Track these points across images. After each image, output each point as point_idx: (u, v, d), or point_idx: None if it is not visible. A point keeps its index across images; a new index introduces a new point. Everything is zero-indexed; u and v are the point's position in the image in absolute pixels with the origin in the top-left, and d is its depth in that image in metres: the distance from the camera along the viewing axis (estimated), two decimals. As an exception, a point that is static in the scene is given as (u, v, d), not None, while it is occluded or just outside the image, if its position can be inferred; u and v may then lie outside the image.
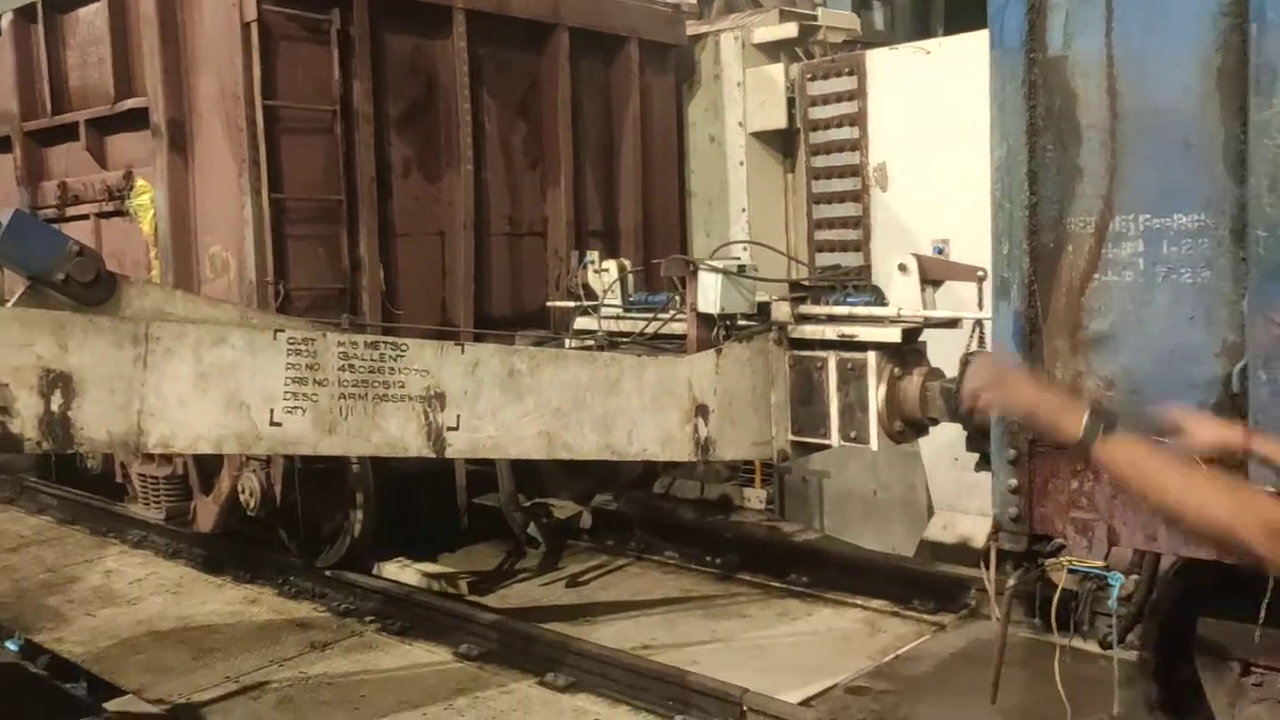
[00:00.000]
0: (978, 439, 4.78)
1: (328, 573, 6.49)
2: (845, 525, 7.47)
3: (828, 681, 5.12)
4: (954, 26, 7.84)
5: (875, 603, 6.14)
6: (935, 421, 5.00)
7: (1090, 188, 3.12)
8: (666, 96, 7.84)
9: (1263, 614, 2.94)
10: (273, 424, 4.04)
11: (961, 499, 6.89)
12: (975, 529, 6.75)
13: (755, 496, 8.02)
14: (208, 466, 6.48)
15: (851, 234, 7.31)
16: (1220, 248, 2.92)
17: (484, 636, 5.63)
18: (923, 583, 6.18)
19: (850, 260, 7.22)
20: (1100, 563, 3.08)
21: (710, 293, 5.02)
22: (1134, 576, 3.09)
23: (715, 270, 5.03)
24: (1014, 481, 3.32)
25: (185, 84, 6.20)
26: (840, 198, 7.36)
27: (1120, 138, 3.06)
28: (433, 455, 4.35)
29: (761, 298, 5.26)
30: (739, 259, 5.45)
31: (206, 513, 6.56)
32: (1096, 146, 3.10)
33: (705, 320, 5.14)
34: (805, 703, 4.89)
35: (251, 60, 5.86)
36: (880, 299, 5.12)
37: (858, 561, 6.69)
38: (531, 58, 7.07)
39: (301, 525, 6.44)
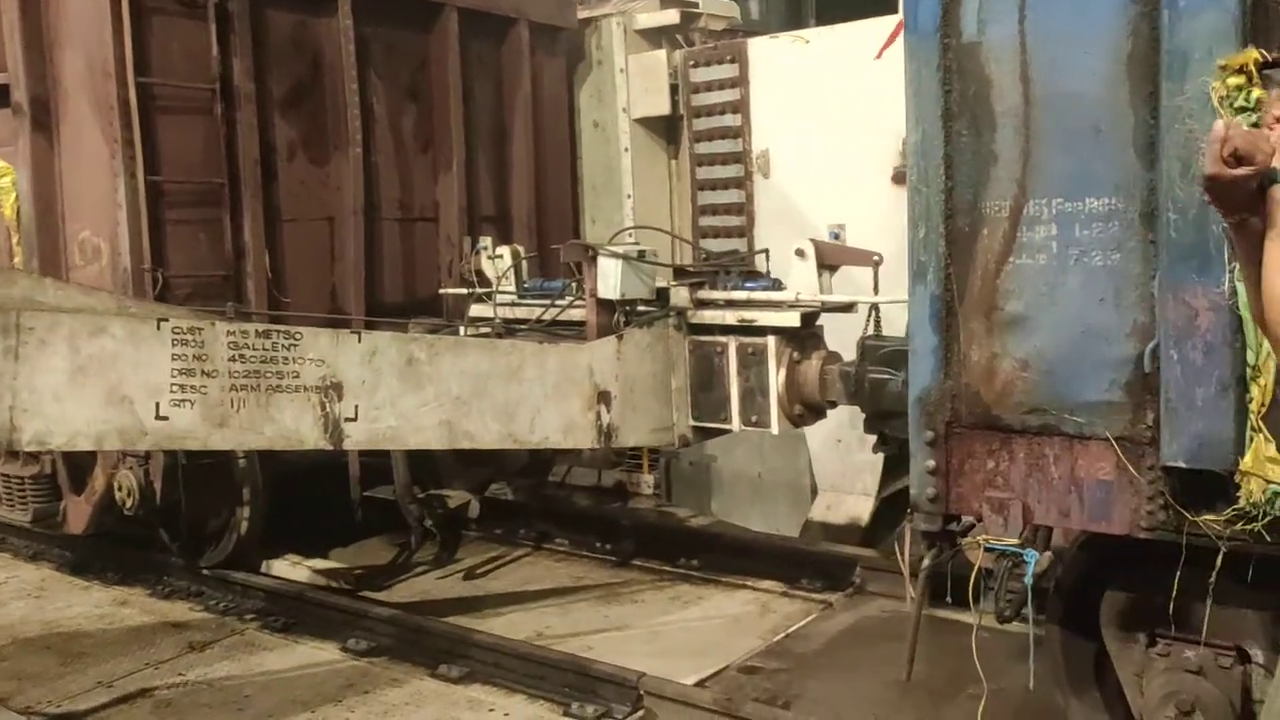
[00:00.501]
0: (875, 420, 4.89)
1: (205, 571, 6.25)
2: (732, 508, 7.55)
3: (721, 663, 5.18)
4: (826, 17, 7.97)
5: (765, 584, 6.22)
6: (834, 404, 5.07)
7: (1005, 172, 3.15)
8: (557, 80, 7.75)
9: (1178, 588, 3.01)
10: (159, 418, 3.85)
11: (845, 480, 7.05)
12: (858, 508, 6.95)
13: (645, 482, 8.04)
14: (79, 464, 6.13)
15: (735, 220, 7.37)
16: (1130, 231, 2.98)
17: (373, 631, 5.53)
18: (810, 563, 6.28)
19: (734, 246, 7.27)
20: (1015, 541, 3.12)
21: (611, 278, 4.98)
22: (1048, 553, 3.15)
23: (615, 256, 4.99)
24: (931, 462, 3.36)
25: (49, 60, 5.83)
26: (724, 184, 7.42)
27: (1033, 123, 3.09)
28: (330, 448, 4.21)
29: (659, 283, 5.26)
30: (638, 244, 5.42)
31: (78, 513, 6.22)
32: (1010, 132, 3.14)
33: (605, 306, 5.11)
34: (700, 684, 4.93)
35: (122, 35, 5.54)
36: (777, 284, 5.16)
37: (747, 544, 6.76)
38: (420, 38, 6.90)
39: (184, 524, 6.16)
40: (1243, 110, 2.59)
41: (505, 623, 5.82)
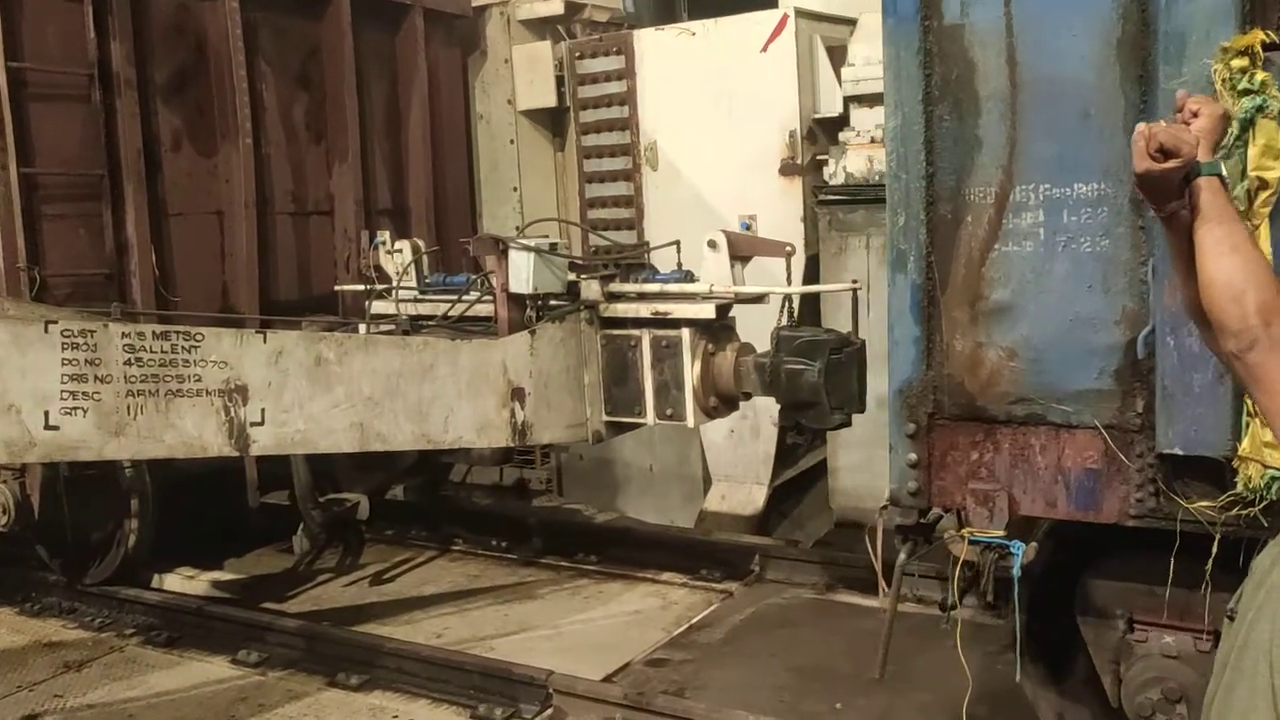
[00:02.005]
0: (791, 411, 4.91)
1: (79, 587, 5.92)
2: (625, 501, 7.56)
3: (627, 657, 5.18)
4: (697, 13, 8.03)
5: (665, 575, 6.24)
6: (749, 396, 5.06)
7: (989, 158, 3.10)
8: (453, 69, 7.58)
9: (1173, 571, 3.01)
10: (48, 428, 3.59)
11: (738, 470, 7.13)
12: (752, 497, 7.04)
13: (536, 478, 7.97)
14: (-56, 480, 5.73)
15: (624, 213, 7.35)
16: (1119, 216, 2.95)
17: (265, 641, 5.36)
18: (709, 553, 6.32)
19: (625, 240, 7.24)
20: (1000, 532, 3.09)
21: (522, 272, 4.86)
22: (1033, 544, 3.12)
23: (527, 249, 4.88)
24: (913, 455, 3.30)
25: (-94, 43, 5.41)
26: (612, 176, 7.40)
27: (1020, 108, 3.05)
28: (236, 454, 4.00)
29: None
30: (547, 237, 5.31)
31: (-59, 533, 5.80)
32: (995, 117, 3.09)
33: (517, 301, 4.99)
34: (608, 679, 4.92)
35: (-10, 17, 5.18)
36: (690, 276, 5.12)
37: (646, 537, 6.76)
38: (311, 24, 6.63)
39: (68, 539, 5.80)
40: (1246, 93, 2.58)
41: (406, 626, 5.71)
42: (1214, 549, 2.80)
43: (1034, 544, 3.04)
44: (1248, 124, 2.60)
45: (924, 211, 3.20)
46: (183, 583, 6.04)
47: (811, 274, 6.53)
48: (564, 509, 7.60)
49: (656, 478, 7.52)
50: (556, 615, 5.83)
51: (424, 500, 7.46)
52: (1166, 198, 2.00)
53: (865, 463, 6.75)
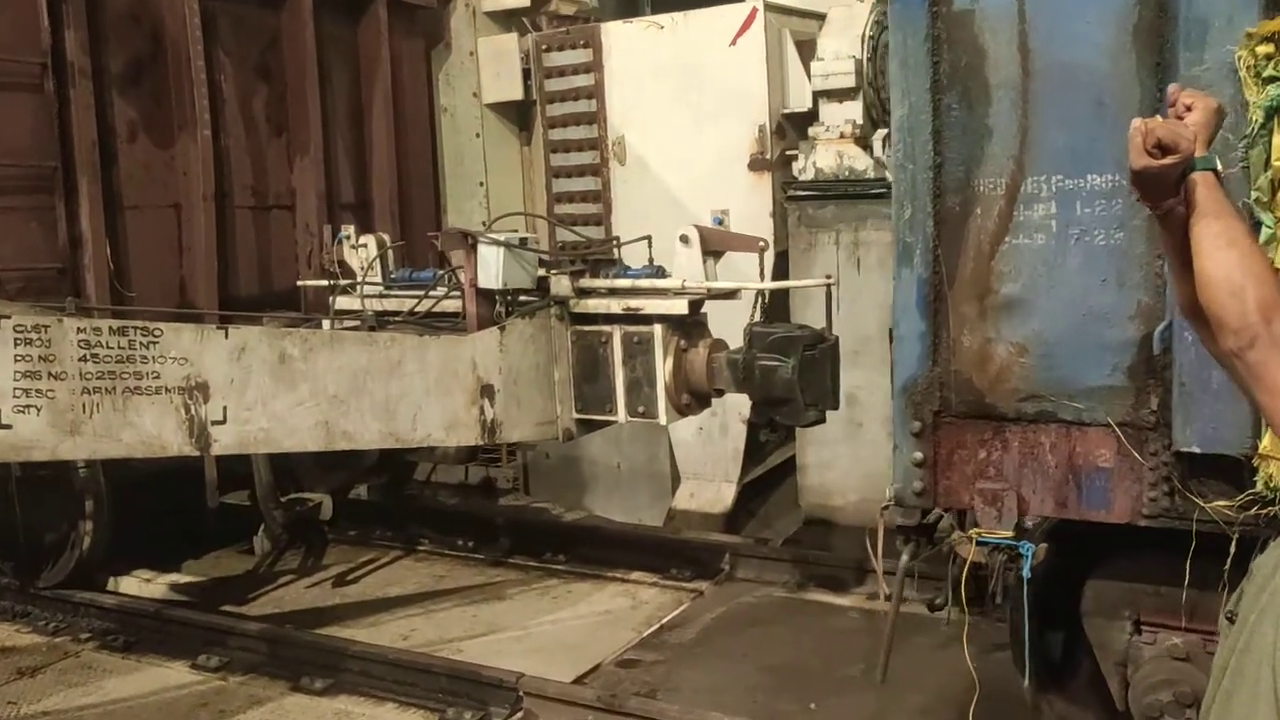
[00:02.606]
0: (765, 408, 4.86)
1: (32, 590, 5.75)
2: (592, 499, 7.49)
3: (598, 658, 5.12)
4: (663, 6, 7.98)
5: (634, 575, 6.19)
6: (721, 393, 5.02)
7: (1000, 148, 3.01)
8: (417, 61, 7.45)
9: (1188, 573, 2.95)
10: (0, 426, 3.45)
11: (707, 467, 7.09)
12: (721, 495, 7.00)
13: (503, 476, 7.88)
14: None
15: (592, 208, 7.28)
16: (1134, 208, 2.86)
17: (225, 645, 5.23)
18: (678, 551, 6.27)
19: (593, 235, 7.18)
20: (1009, 533, 3.02)
21: (492, 267, 4.78)
22: (1044, 545, 3.05)
23: (496, 243, 4.79)
24: (919, 455, 3.21)
25: None
26: (580, 171, 7.33)
27: (1032, 96, 2.95)
28: (196, 454, 3.88)
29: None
30: (517, 231, 5.23)
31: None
32: (1007, 105, 3.00)
33: (486, 296, 4.90)
34: (579, 680, 4.86)
35: (-64, 3, 5.00)
36: (661, 272, 5.06)
37: (614, 536, 6.70)
38: (271, 14, 6.48)
39: (20, 541, 5.63)
40: (1272, 80, 2.52)
41: (371, 628, 5.62)
42: (1232, 549, 2.73)
43: (1044, 545, 2.96)
44: (1273, 112, 2.54)
45: (931, 203, 3.11)
46: (140, 585, 5.89)
47: (780, 270, 6.48)
48: (531, 508, 7.52)
49: (624, 476, 7.45)
50: (525, 616, 5.75)
51: (388, 499, 7.35)
52: (1163, 195, 1.96)
53: (833, 460, 6.73)
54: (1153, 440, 2.92)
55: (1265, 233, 2.56)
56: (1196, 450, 2.82)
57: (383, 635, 5.49)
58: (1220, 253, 1.84)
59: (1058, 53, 2.94)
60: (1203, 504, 2.81)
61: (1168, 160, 1.91)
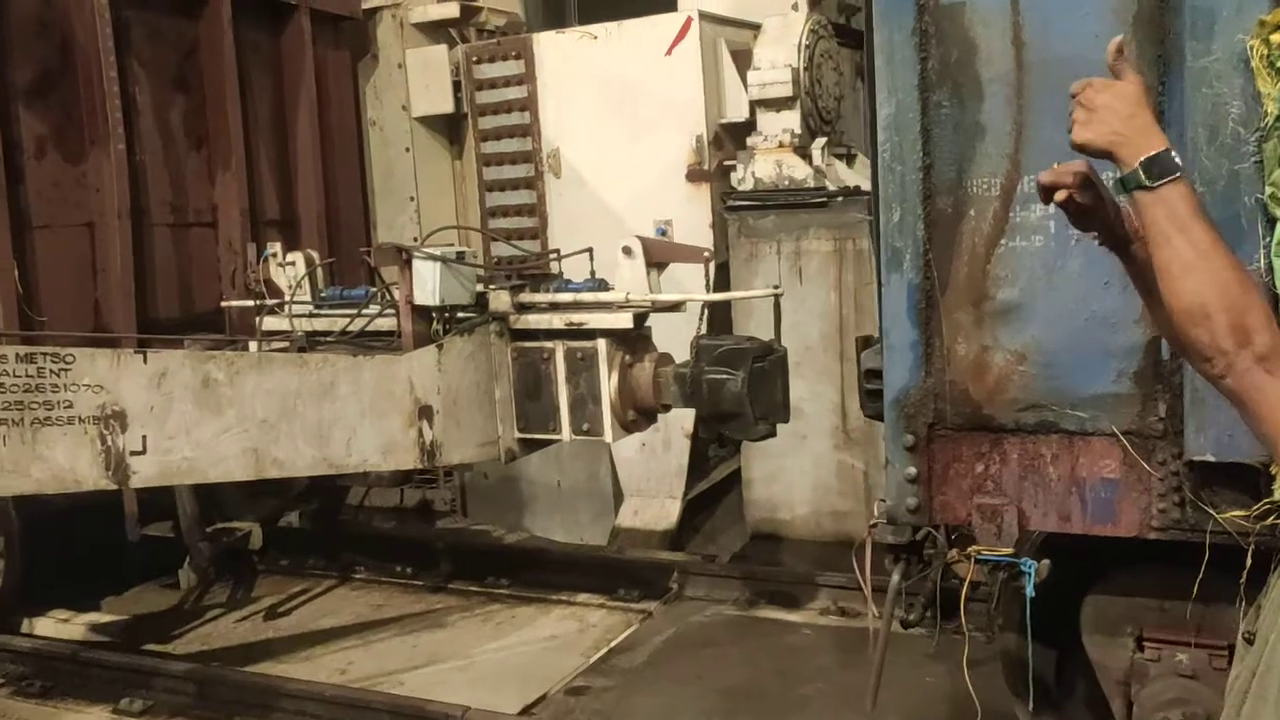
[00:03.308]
0: (714, 422, 4.74)
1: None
2: (532, 520, 7.33)
3: (545, 686, 4.94)
4: (589, 17, 7.89)
5: (580, 597, 6.03)
6: (668, 408, 4.89)
7: (994, 147, 2.89)
8: (343, 73, 7.23)
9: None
10: (-105, 464, 3.18)
11: (650, 484, 6.95)
12: (666, 512, 6.86)
13: (440, 498, 7.67)
14: None
15: (527, 222, 7.14)
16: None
17: (148, 687, 4.95)
18: (625, 571, 6.13)
19: (529, 249, 7.03)
20: (1009, 550, 2.87)
21: (429, 283, 4.59)
22: (1045, 561, 2.92)
23: (433, 258, 4.60)
24: (912, 470, 3.06)
25: None
26: (514, 185, 7.19)
27: (1027, 92, 2.83)
28: (113, 487, 3.62)
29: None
30: (453, 245, 5.05)
31: None
32: (1001, 101, 2.87)
33: (422, 313, 4.71)
34: (527, 711, 4.69)
35: None
36: (604, 285, 4.92)
37: (557, 557, 6.54)
38: (187, 23, 6.21)
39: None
40: None
41: (306, 663, 5.38)
42: (1248, 561, 2.60)
43: (1045, 562, 2.84)
44: None
45: (921, 206, 2.98)
46: (56, 626, 5.58)
47: (721, 282, 6.38)
48: (471, 530, 7.31)
49: (565, 494, 7.29)
50: (468, 644, 5.56)
51: (321, 526, 7.07)
52: (1109, 235, 1.85)
53: (779, 473, 6.65)
54: (1161, 449, 2.80)
55: None
56: (1211, 458, 2.70)
57: (318, 670, 5.26)
58: (1178, 281, 1.67)
59: (1053, 46, 2.83)
60: (1216, 514, 2.70)
61: (1058, 198, 1.80)
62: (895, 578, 3.18)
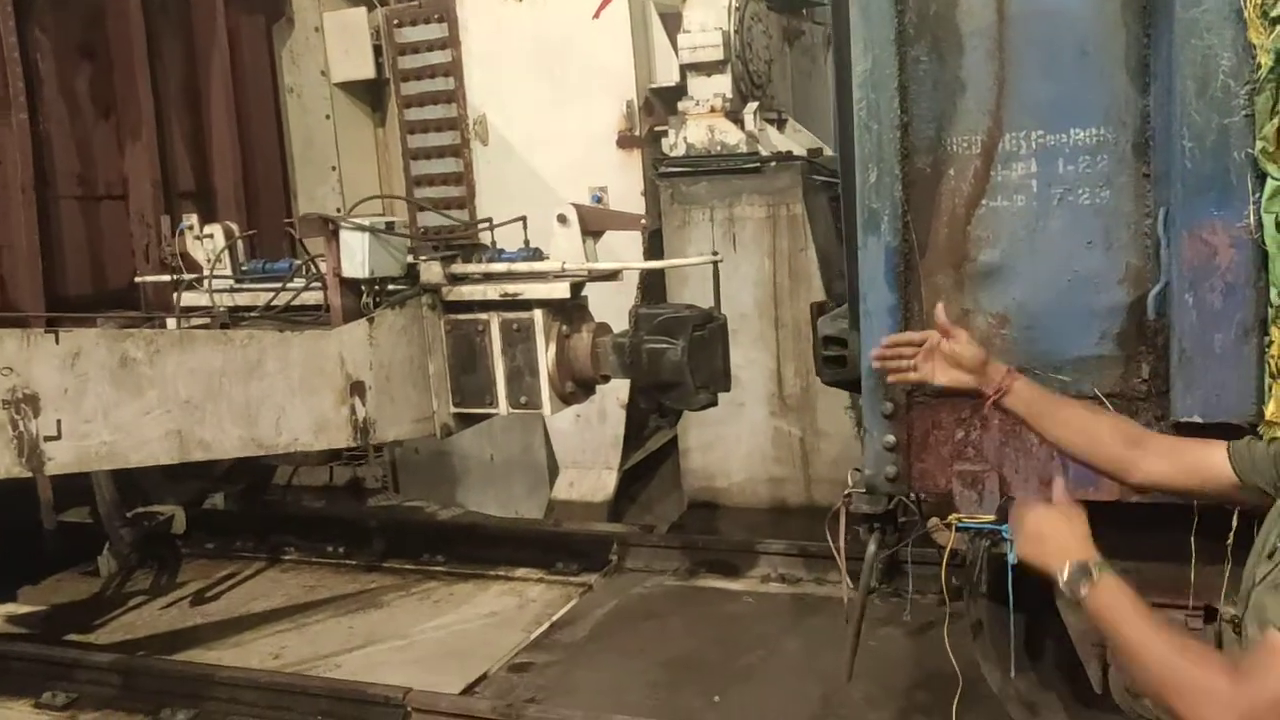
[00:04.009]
0: (654, 392, 4.67)
1: None
2: (465, 494, 7.22)
3: (487, 664, 4.87)
4: None
5: (519, 572, 5.96)
6: (607, 379, 4.82)
7: (974, 103, 2.81)
8: (257, 37, 6.93)
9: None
10: None
11: (586, 455, 6.88)
12: (602, 483, 6.81)
13: (370, 475, 7.52)
14: None
15: (454, 191, 6.96)
16: (1121, 164, 2.70)
17: (70, 679, 4.77)
18: (563, 545, 6.08)
19: (456, 219, 6.86)
20: (991, 517, 2.78)
21: (357, 254, 4.43)
22: None
23: (361, 228, 4.44)
24: (891, 438, 3.01)
25: None
26: (439, 153, 7.00)
27: (1008, 45, 2.76)
28: (28, 475, 3.43)
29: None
30: (383, 215, 4.89)
31: None
32: (981, 56, 2.79)
33: (351, 286, 4.55)
34: (469, 691, 4.61)
35: None
36: (538, 254, 4.81)
37: (494, 532, 6.46)
38: (90, -14, 5.90)
39: None
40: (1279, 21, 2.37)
41: (236, 649, 5.23)
42: (1234, 522, 2.57)
43: None
44: None
45: (899, 165, 2.90)
46: (-31, 621, 5.33)
47: (654, 250, 6.31)
48: (403, 507, 7.18)
49: (498, 468, 7.18)
50: (406, 624, 5.45)
51: (247, 508, 6.88)
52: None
53: (716, 441, 6.62)
54: (1144, 411, 2.79)
55: (1271, 185, 2.44)
56: (1198, 419, 2.68)
57: (250, 656, 5.12)
58: (1134, 669, 1.78)
59: None
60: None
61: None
62: (872, 548, 3.15)
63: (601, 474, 6.90)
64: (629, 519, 6.78)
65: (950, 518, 2.71)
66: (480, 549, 6.16)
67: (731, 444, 6.61)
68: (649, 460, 7.16)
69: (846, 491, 3.05)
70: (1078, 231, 2.78)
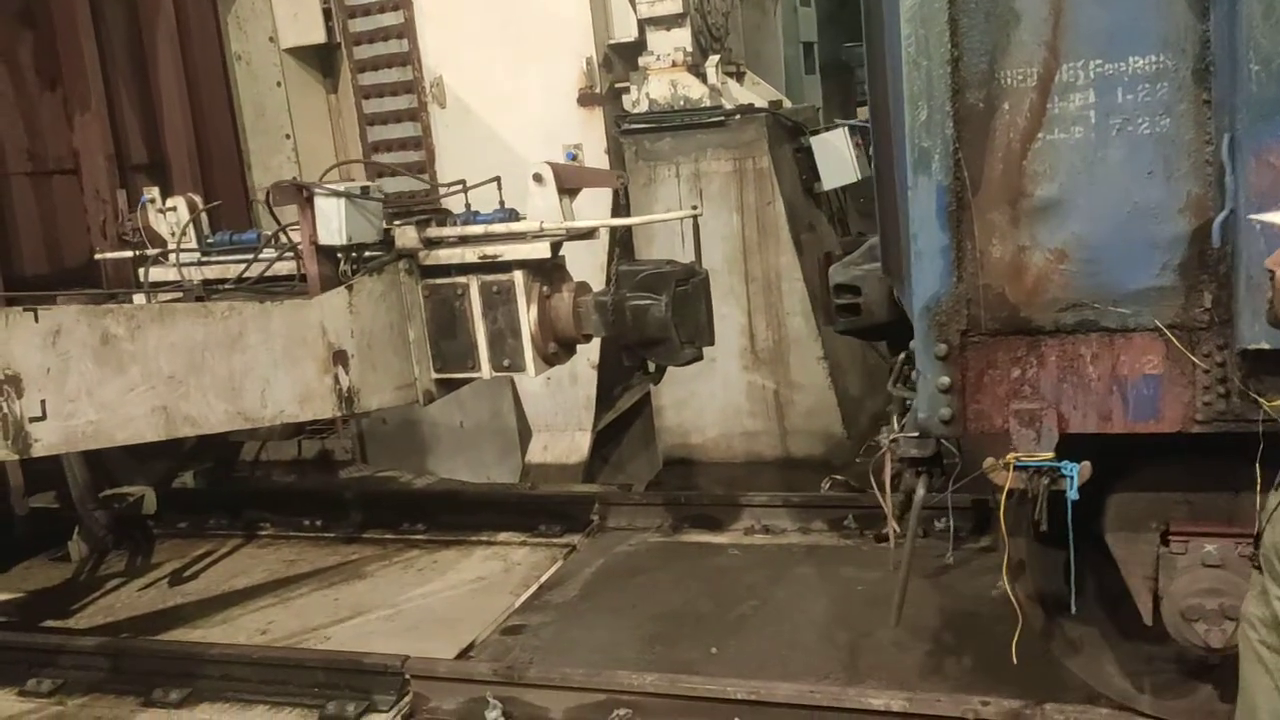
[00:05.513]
0: (639, 349, 4.67)
1: None
2: (435, 462, 7.19)
3: (479, 629, 4.85)
4: None
5: (501, 536, 5.94)
6: (589, 338, 4.80)
7: (1029, 34, 2.74)
8: (202, 4, 6.75)
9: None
10: None
11: (559, 418, 6.88)
12: (577, 445, 6.81)
13: (339, 447, 7.44)
14: None
15: (414, 155, 6.86)
16: (1181, 92, 2.65)
17: (55, 665, 4.68)
18: (543, 507, 6.06)
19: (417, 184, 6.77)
20: (1049, 454, 2.80)
21: (333, 221, 4.35)
22: (1087, 463, 2.82)
23: (336, 194, 4.36)
24: (945, 379, 2.96)
25: None
26: (396, 117, 6.91)
27: None
28: (16, 457, 3.34)
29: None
30: (355, 180, 4.80)
31: None
32: None
33: (328, 254, 4.47)
34: (464, 655, 4.59)
35: None
36: (514, 215, 4.76)
37: (473, 498, 6.41)
38: (29, -48, 5.69)
39: None
40: None
41: (223, 626, 5.16)
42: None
43: (1087, 463, 2.82)
44: None
45: (949, 102, 2.83)
46: (-58, 612, 5.20)
47: (620, 208, 6.27)
48: (377, 477, 7.12)
49: (468, 434, 7.14)
50: (392, 593, 5.41)
51: (218, 485, 6.78)
52: None
53: (689, 398, 6.65)
54: (1206, 341, 2.77)
55: None
56: (1265, 346, 2.67)
57: (238, 632, 5.05)
58: None
59: None
60: (1266, 403, 2.69)
61: None
62: (920, 491, 3.14)
63: (575, 436, 6.88)
64: (603, 480, 6.79)
65: (1007, 456, 2.71)
66: (460, 515, 6.12)
67: (705, 400, 6.63)
68: (619, 421, 7.16)
69: (892, 436, 3.03)
70: (1137, 162, 2.75)
